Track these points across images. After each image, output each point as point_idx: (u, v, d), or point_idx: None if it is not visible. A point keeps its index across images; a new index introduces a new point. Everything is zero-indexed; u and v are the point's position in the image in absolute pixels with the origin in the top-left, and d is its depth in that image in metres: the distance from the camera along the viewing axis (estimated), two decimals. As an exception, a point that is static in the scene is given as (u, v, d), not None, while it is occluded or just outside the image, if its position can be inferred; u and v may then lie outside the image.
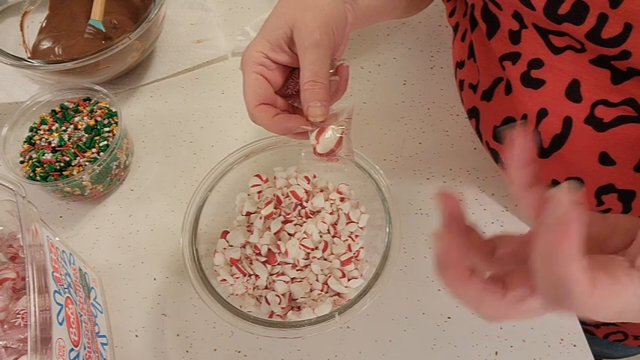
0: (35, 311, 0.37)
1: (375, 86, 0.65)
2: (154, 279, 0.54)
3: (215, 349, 0.50)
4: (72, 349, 0.40)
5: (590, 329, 0.67)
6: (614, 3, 0.36)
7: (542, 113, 0.45)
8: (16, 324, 0.42)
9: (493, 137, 0.50)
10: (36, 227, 0.42)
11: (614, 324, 0.64)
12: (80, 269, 0.49)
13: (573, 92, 0.43)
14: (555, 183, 0.47)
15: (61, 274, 0.43)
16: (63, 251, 0.46)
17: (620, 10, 0.36)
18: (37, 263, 0.39)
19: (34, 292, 0.38)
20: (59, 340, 0.39)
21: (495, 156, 0.52)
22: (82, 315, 0.45)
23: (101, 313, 0.51)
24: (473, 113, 0.52)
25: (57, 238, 0.46)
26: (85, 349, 0.43)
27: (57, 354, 0.38)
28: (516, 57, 0.45)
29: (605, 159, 0.43)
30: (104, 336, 0.49)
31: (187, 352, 0.50)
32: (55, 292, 0.40)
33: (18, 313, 0.42)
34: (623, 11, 0.36)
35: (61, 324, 0.40)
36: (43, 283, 0.39)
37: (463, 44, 0.53)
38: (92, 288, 0.51)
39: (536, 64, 0.44)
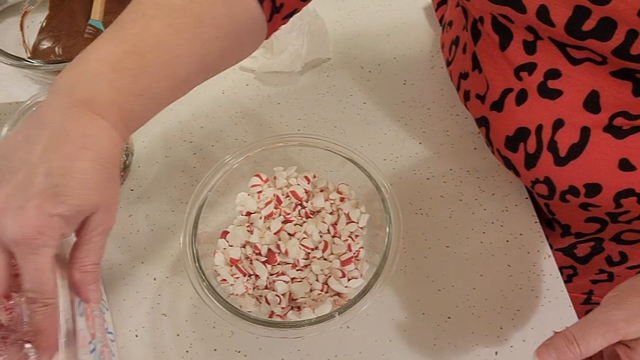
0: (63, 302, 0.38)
1: (375, 86, 0.65)
2: (154, 279, 0.54)
3: (215, 349, 0.50)
4: (90, 341, 0.41)
5: None
6: None
7: (559, 123, 0.44)
8: None
9: (505, 146, 0.50)
10: None
11: None
12: None
13: (592, 103, 0.42)
14: (573, 189, 0.46)
15: None
16: None
17: None
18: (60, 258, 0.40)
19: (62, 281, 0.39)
20: (81, 331, 0.39)
21: (507, 163, 0.51)
22: (94, 309, 0.45)
23: (107, 310, 0.51)
24: (482, 122, 0.52)
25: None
26: (99, 343, 0.44)
27: (81, 344, 0.38)
28: (532, 67, 0.44)
29: (625, 165, 0.42)
30: (111, 332, 0.50)
31: (187, 352, 0.50)
32: None
33: None
34: None
35: (81, 316, 0.40)
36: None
37: (465, 56, 0.53)
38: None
39: (553, 74, 0.43)
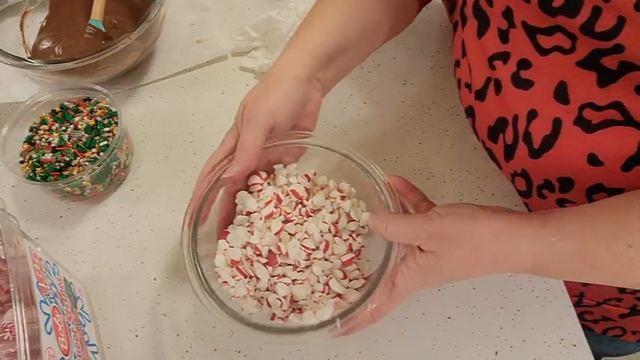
0: (23, 324, 0.37)
1: (375, 86, 0.65)
2: (154, 279, 0.54)
3: (215, 349, 0.50)
4: (62, 358, 0.40)
5: (589, 325, 0.67)
6: None
7: (533, 114, 0.45)
8: (5, 338, 0.41)
9: (487, 137, 0.50)
10: (17, 239, 0.41)
11: (612, 319, 0.64)
12: (65, 279, 0.49)
13: (561, 94, 0.43)
14: (548, 183, 0.47)
15: (46, 284, 0.43)
16: (47, 262, 0.46)
17: (612, 3, 0.36)
18: (21, 275, 0.39)
19: (20, 305, 0.38)
20: (49, 350, 0.38)
21: (491, 154, 0.52)
22: (69, 324, 0.44)
23: (89, 322, 0.50)
24: (469, 112, 0.53)
25: (39, 248, 0.45)
26: (75, 357, 0.43)
27: None
28: (506, 57, 0.45)
29: (594, 160, 0.43)
30: (94, 344, 0.49)
31: (187, 352, 0.50)
32: (42, 302, 0.40)
33: (6, 327, 0.41)
34: (616, 5, 0.36)
35: (49, 333, 0.39)
36: (29, 294, 0.39)
37: (458, 42, 0.53)
38: (78, 297, 0.50)
39: (525, 64, 0.44)
